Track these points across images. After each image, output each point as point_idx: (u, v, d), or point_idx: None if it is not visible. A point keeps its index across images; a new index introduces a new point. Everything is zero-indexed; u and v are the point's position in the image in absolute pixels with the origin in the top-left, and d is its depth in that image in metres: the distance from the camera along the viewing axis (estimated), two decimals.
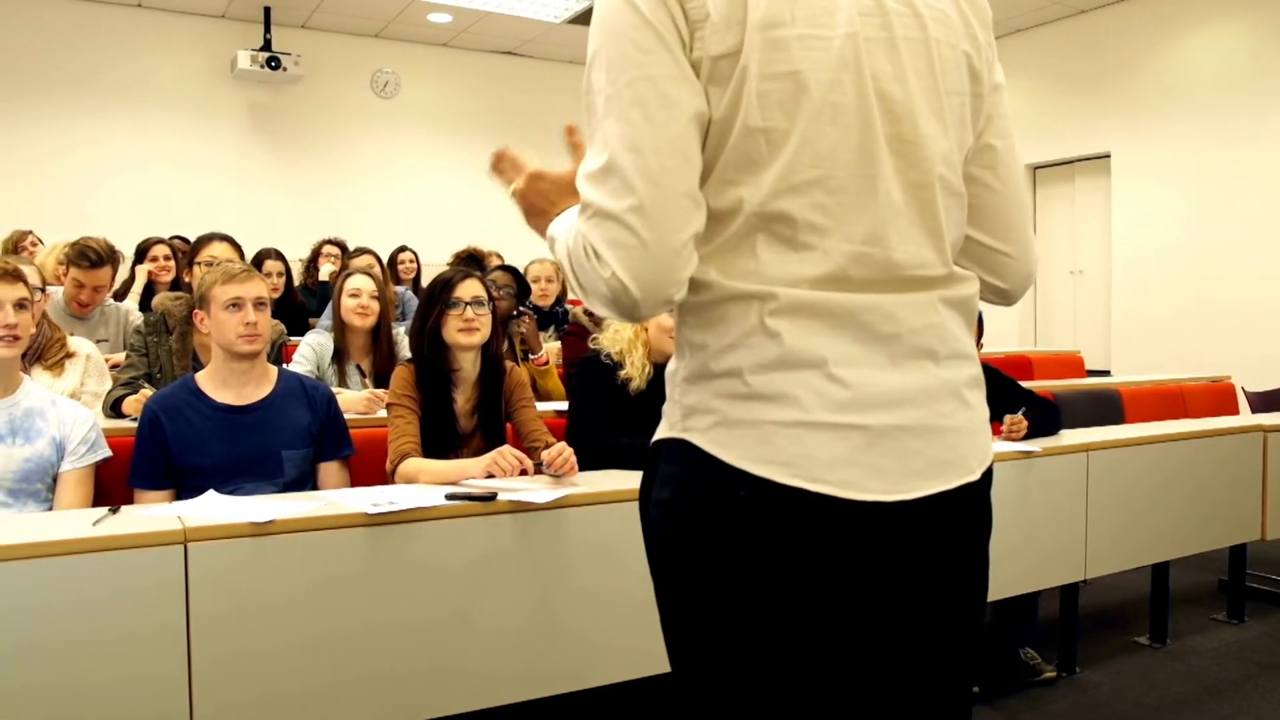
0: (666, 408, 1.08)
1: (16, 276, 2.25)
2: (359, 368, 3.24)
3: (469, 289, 2.50)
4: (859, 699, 1.05)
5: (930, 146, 1.02)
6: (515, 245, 6.83)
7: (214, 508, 1.97)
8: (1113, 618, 3.68)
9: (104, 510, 1.94)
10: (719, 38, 0.95)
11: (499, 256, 5.90)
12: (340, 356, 3.21)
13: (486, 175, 1.22)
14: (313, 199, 7.71)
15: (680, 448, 1.02)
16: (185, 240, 5.70)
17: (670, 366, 1.08)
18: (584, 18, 7.61)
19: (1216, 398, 4.89)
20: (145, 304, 4.31)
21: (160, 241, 4.79)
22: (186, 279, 3.18)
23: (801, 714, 1.01)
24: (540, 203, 1.15)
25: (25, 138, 6.89)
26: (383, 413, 2.92)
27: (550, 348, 4.13)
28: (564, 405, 3.08)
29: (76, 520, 1.88)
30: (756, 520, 0.98)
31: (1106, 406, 4.37)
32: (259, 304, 2.44)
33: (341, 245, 5.65)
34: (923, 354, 1.02)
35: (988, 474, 1.08)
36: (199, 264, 3.08)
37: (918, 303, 1.03)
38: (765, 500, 0.97)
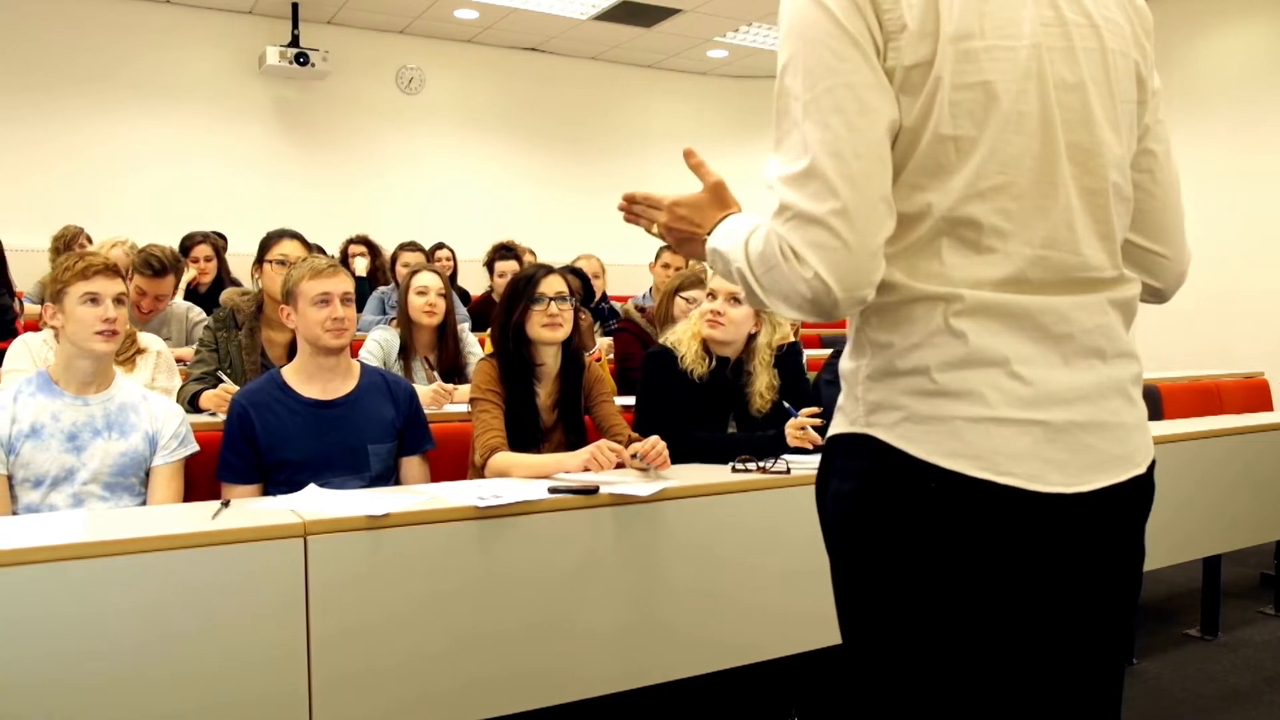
0: (844, 403, 1.11)
1: (115, 272, 2.29)
2: (426, 361, 3.28)
3: (552, 285, 2.53)
4: (1029, 676, 1.09)
5: (1105, 153, 1.07)
6: (537, 239, 6.90)
7: (322, 501, 2.01)
8: (1161, 610, 3.73)
9: (216, 504, 1.97)
10: (913, 48, 0.99)
11: (532, 253, 5.92)
12: (406, 352, 3.26)
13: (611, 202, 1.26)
14: (338, 194, 7.73)
15: (864, 442, 1.06)
16: (222, 236, 5.73)
17: (847, 364, 1.12)
18: (609, 14, 7.62)
19: (1252, 393, 4.95)
20: (189, 297, 4.35)
21: (204, 240, 4.82)
22: (255, 275, 3.22)
23: (975, 690, 1.06)
24: (686, 228, 1.20)
25: (52, 132, 6.91)
26: (450, 407, 2.97)
27: (600, 343, 4.18)
28: (626, 400, 3.11)
29: (193, 514, 1.92)
30: (944, 511, 1.02)
31: (1146, 402, 4.39)
32: (345, 299, 2.48)
33: (368, 243, 5.62)
34: (1092, 353, 1.07)
35: (1152, 466, 1.13)
36: (269, 261, 3.11)
37: (1089, 304, 1.07)
38: (954, 492, 1.01)
